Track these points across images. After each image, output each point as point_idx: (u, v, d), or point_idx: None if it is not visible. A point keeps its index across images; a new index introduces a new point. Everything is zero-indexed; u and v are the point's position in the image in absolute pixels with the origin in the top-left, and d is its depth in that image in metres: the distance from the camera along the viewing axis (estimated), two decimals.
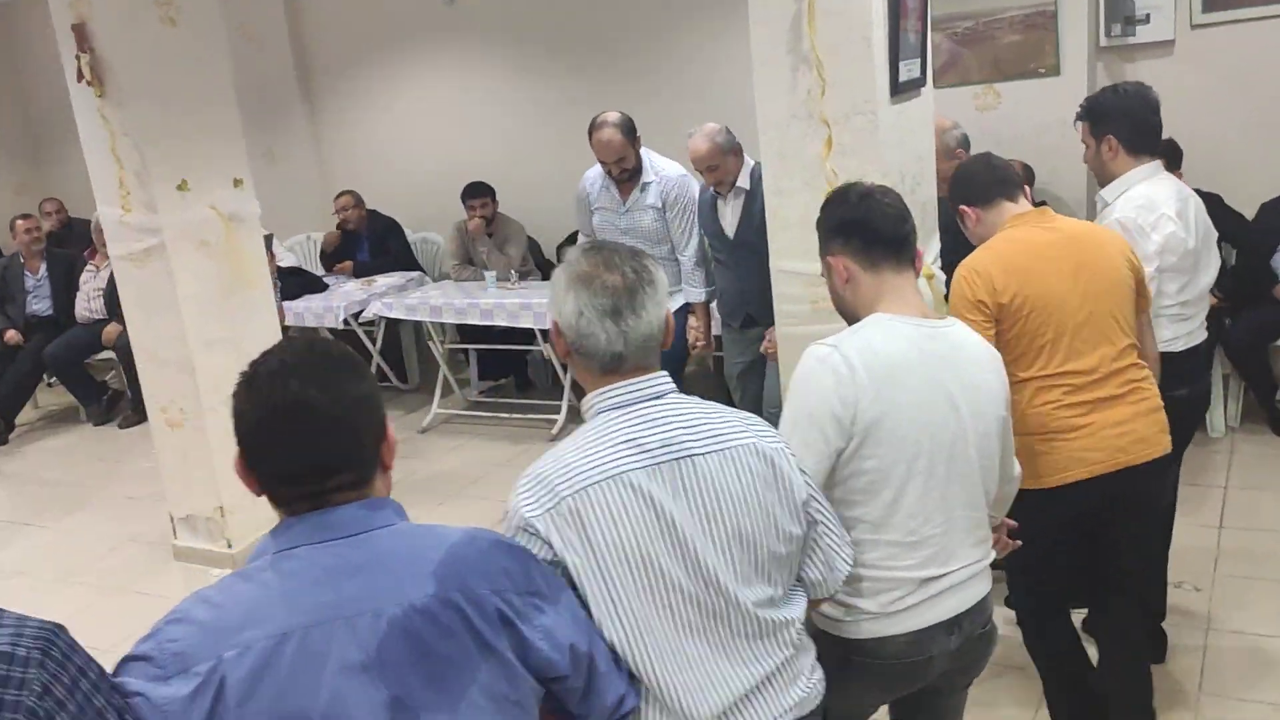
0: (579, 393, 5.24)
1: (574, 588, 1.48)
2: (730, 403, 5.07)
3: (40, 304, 6.85)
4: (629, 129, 4.22)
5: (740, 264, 4.07)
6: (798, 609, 1.64)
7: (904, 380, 1.81)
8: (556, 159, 6.66)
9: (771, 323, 3.92)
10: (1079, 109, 2.96)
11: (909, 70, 2.72)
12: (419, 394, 6.65)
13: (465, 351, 6.35)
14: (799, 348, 2.88)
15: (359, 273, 6.59)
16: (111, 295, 6.59)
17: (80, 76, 3.87)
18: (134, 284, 4.16)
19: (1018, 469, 2.04)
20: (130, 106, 3.89)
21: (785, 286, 2.84)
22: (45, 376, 6.99)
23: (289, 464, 1.33)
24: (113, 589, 4.31)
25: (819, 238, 1.99)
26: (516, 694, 1.33)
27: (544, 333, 5.53)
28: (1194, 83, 4.85)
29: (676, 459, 1.52)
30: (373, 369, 6.46)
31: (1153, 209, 2.68)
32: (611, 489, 1.49)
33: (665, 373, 1.62)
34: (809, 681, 1.65)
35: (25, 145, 8.97)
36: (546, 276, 6.24)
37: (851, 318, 1.95)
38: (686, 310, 4.41)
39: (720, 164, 3.92)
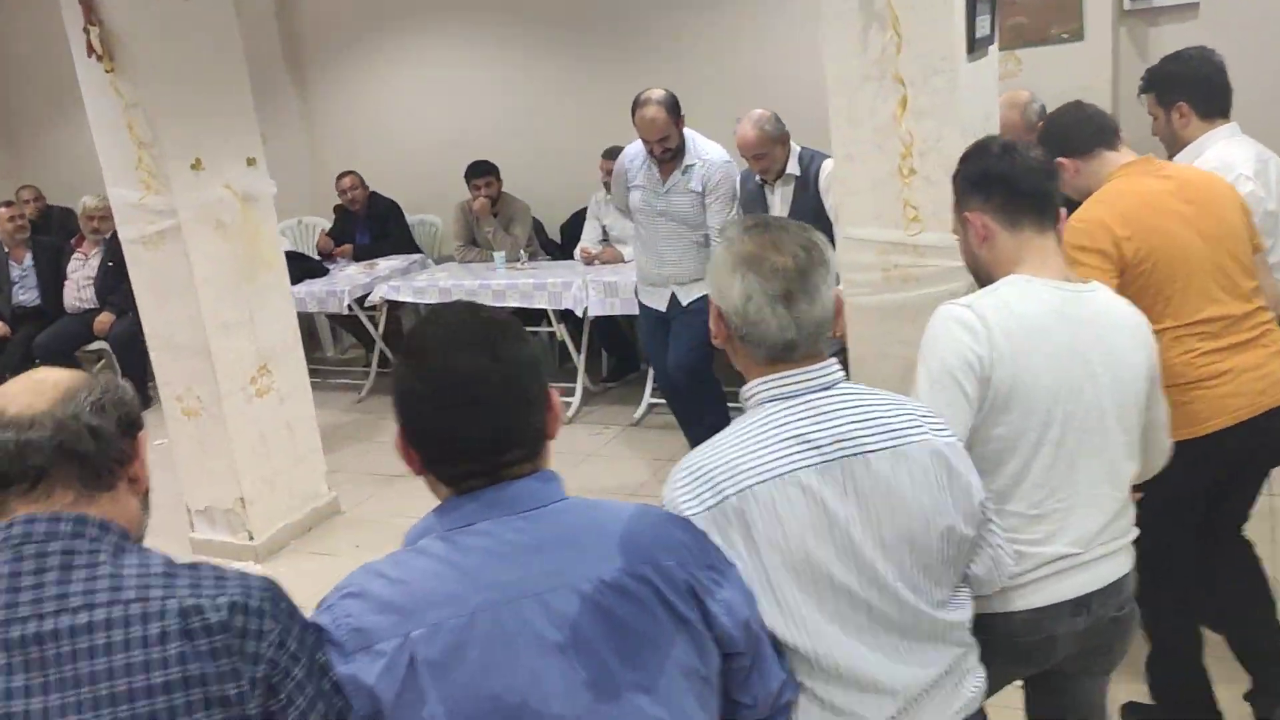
0: (593, 376, 5.17)
1: None
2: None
3: (27, 294, 6.64)
4: (673, 107, 4.06)
5: None
6: (967, 609, 1.56)
7: (1040, 345, 1.71)
8: (559, 138, 6.55)
9: None
10: (1143, 80, 2.90)
11: (982, 26, 2.64)
12: None
13: None
14: (870, 319, 2.82)
15: (358, 256, 6.44)
16: (102, 284, 6.42)
17: (90, 51, 3.69)
18: (146, 268, 4.00)
19: (1168, 442, 1.94)
20: (143, 82, 3.73)
21: (855, 254, 2.75)
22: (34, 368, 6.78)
23: (463, 439, 1.25)
24: None
25: (955, 192, 1.89)
26: (706, 669, 1.27)
27: (559, 313, 5.42)
28: (1219, 46, 4.76)
29: (848, 456, 1.43)
30: (375, 355, 6.32)
31: (1230, 169, 2.62)
32: (779, 489, 1.40)
33: (835, 360, 1.53)
34: (975, 679, 1.58)
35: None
36: (553, 256, 6.12)
37: (986, 279, 1.85)
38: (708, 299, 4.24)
39: (768, 152, 3.86)
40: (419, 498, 4.82)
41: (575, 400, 5.52)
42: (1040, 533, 1.75)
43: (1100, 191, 2.33)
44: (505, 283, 5.34)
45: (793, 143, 3.95)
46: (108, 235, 6.49)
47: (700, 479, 1.41)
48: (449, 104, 6.93)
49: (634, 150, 4.29)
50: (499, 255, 5.65)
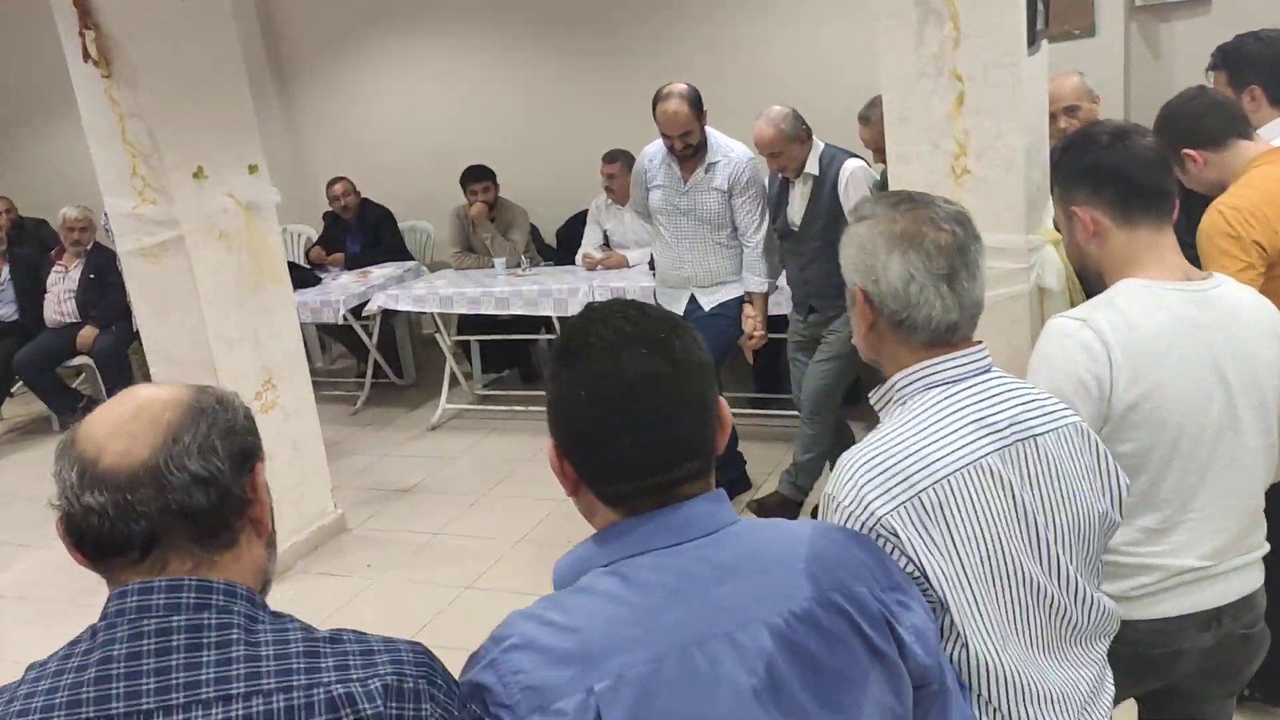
0: None
1: None
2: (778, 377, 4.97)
3: (4, 309, 6.42)
4: (696, 102, 3.93)
5: (804, 253, 3.92)
6: (1110, 601, 1.46)
7: (1165, 358, 1.62)
8: (554, 141, 6.43)
9: (834, 315, 3.85)
10: (1213, 58, 2.76)
11: (1041, 17, 2.55)
12: (417, 390, 6.37)
13: (465, 344, 6.08)
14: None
15: (350, 264, 6.27)
16: (84, 297, 6.22)
17: (86, 56, 3.53)
18: (146, 280, 3.83)
19: None
20: (142, 88, 3.57)
21: None
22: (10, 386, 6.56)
23: (635, 451, 1.11)
24: None
25: (1058, 185, 1.77)
26: (901, 707, 1.14)
27: (561, 320, 5.29)
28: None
29: (1022, 439, 1.34)
30: (370, 366, 6.16)
31: None
32: (973, 477, 1.29)
33: (984, 344, 1.43)
34: (1111, 683, 1.49)
35: None
36: (549, 262, 6.00)
37: (1095, 277, 1.75)
38: (742, 300, 4.14)
39: (784, 150, 3.76)
40: (427, 514, 4.69)
41: None
42: (1169, 544, 1.67)
43: (1249, 177, 2.19)
44: (508, 289, 5.21)
45: (817, 140, 3.85)
46: (88, 247, 6.30)
47: (887, 472, 1.28)
48: (439, 107, 6.79)
49: (653, 149, 4.16)
50: (499, 261, 5.51)
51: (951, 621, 1.26)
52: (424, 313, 6.14)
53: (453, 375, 5.82)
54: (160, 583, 1.02)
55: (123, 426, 1.05)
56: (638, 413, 1.09)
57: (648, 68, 6.11)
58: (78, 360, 6.29)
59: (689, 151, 3.96)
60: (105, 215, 4.65)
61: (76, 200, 6.46)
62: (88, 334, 6.14)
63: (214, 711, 0.96)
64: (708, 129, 4.01)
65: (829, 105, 4.96)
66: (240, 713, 0.97)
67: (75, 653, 1.02)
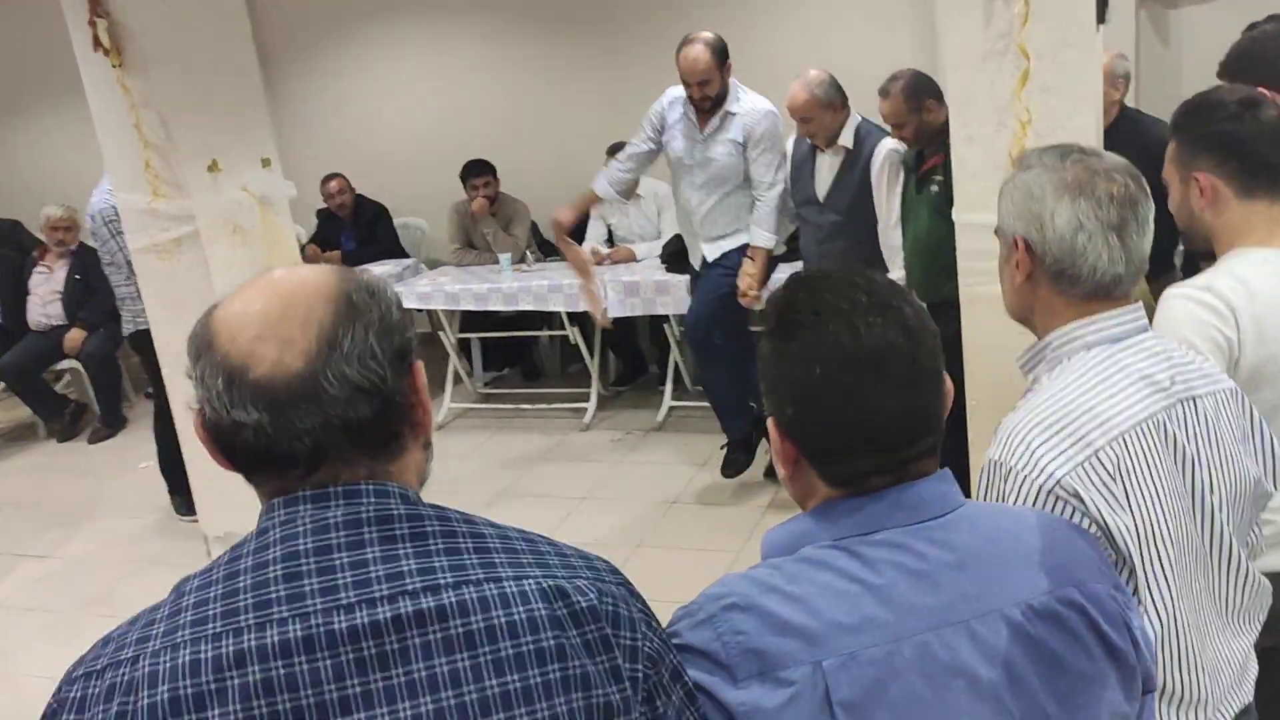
0: (605, 380, 4.89)
1: None
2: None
3: None
4: (721, 51, 3.79)
5: (824, 227, 3.84)
6: (1264, 578, 1.42)
7: None
8: (552, 134, 6.34)
9: None
10: (1222, 64, 2.77)
11: None
12: None
13: (465, 342, 5.97)
14: (987, 310, 2.68)
15: (345, 262, 6.14)
16: (70, 298, 6.04)
17: (96, 45, 3.40)
18: (158, 278, 3.70)
19: None
20: (155, 78, 3.44)
21: (973, 241, 2.61)
22: None
23: (873, 428, 1.04)
24: None
25: (1178, 147, 1.73)
26: (1132, 712, 1.08)
27: (571, 315, 5.21)
28: (1239, 32, 4.78)
29: (1184, 399, 1.31)
30: None
31: None
32: (1146, 434, 1.26)
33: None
34: (1255, 666, 1.45)
35: None
36: (559, 257, 5.89)
37: (1202, 243, 1.73)
38: (743, 253, 3.97)
39: (815, 117, 3.67)
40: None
41: (590, 406, 5.32)
42: None
43: None
44: (517, 285, 5.12)
45: (854, 113, 3.74)
46: (73, 247, 6.13)
47: (1061, 433, 1.24)
48: (433, 101, 6.67)
49: (675, 92, 3.99)
50: (505, 258, 5.42)
51: (1135, 585, 1.23)
52: (421, 311, 6.07)
53: (454, 374, 5.72)
54: (336, 489, 0.92)
55: (271, 329, 0.91)
56: (880, 387, 1.03)
57: (650, 59, 6.03)
58: (64, 364, 6.12)
59: (706, 104, 3.84)
60: (91, 216, 4.51)
61: (48, 199, 6.27)
62: (75, 337, 5.97)
63: (424, 601, 0.88)
64: (733, 82, 3.89)
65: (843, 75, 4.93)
66: (452, 599, 0.88)
67: (242, 553, 0.94)
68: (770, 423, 1.10)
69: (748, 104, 3.88)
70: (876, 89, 5.50)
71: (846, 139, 3.71)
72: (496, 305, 5.17)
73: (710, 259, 4.04)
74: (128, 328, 4.55)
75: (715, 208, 3.97)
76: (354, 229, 6.24)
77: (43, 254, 6.23)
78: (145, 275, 3.72)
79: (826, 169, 3.79)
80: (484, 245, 5.86)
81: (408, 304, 5.13)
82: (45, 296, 6.10)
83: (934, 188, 3.43)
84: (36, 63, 7.58)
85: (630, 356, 5.80)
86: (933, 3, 5.14)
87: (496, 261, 5.64)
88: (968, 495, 1.10)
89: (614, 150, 5.31)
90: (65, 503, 5.09)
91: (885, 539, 1.03)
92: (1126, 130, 3.42)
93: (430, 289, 5.31)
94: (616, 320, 5.05)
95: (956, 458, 3.09)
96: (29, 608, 4.08)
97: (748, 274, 3.92)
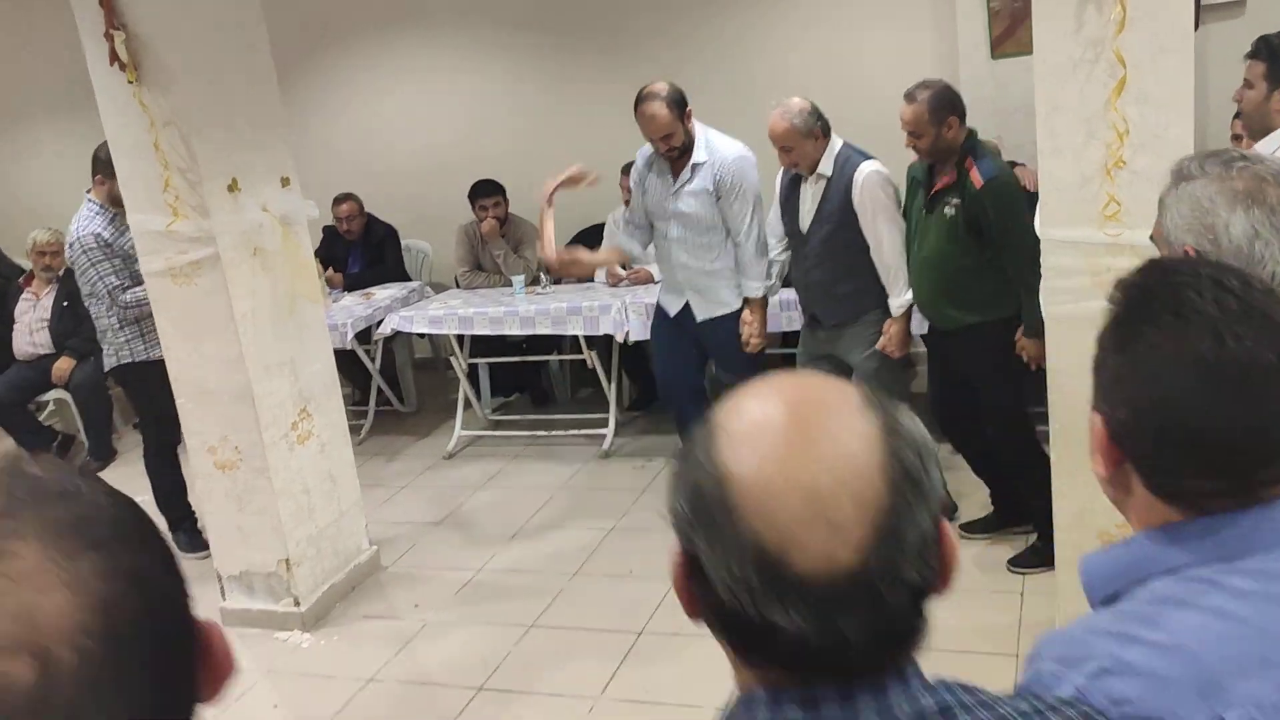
0: (620, 404, 4.68)
1: None
2: None
3: None
4: (677, 102, 3.78)
5: (809, 259, 3.77)
6: None
7: None
8: (559, 154, 6.14)
9: (836, 325, 3.72)
10: (1255, 45, 2.66)
11: None
12: (420, 416, 6.07)
13: (473, 366, 5.80)
14: (1073, 330, 2.56)
15: (349, 285, 5.96)
16: (58, 326, 5.81)
17: (113, 59, 3.23)
18: (175, 303, 3.52)
19: None
20: (175, 93, 3.28)
21: (1058, 258, 2.50)
22: None
23: (1246, 447, 0.92)
24: None
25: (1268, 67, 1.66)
26: None
27: (590, 340, 5.06)
28: None
29: None
30: (374, 393, 5.85)
31: None
32: None
33: None
34: None
35: None
36: (573, 279, 5.74)
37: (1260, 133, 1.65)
38: (737, 320, 3.98)
39: (795, 146, 3.60)
40: (464, 548, 4.39)
41: (609, 432, 5.16)
42: None
43: None
44: (534, 308, 4.96)
45: (835, 139, 3.68)
46: (60, 273, 5.89)
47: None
48: (439, 119, 6.52)
49: (644, 154, 4.05)
50: (518, 280, 5.26)
51: None
52: (423, 336, 5.90)
53: (463, 401, 5.55)
54: (862, 687, 0.74)
55: (818, 507, 0.70)
56: (1237, 406, 0.91)
57: (665, 76, 5.94)
58: (52, 394, 5.88)
59: (673, 154, 3.84)
60: (70, 244, 4.28)
61: (23, 222, 6.02)
62: (64, 366, 5.73)
63: None
64: (702, 128, 3.88)
65: (855, 109, 4.84)
66: None
67: None
68: (1095, 415, 0.98)
69: (717, 151, 3.87)
70: (895, 98, 5.45)
71: (826, 167, 3.65)
72: (513, 330, 5.01)
73: (700, 318, 4.01)
74: (109, 361, 4.37)
75: (695, 257, 3.95)
76: (362, 250, 6.04)
77: (28, 281, 5.99)
78: (160, 301, 3.55)
79: (809, 199, 3.73)
80: (493, 268, 5.71)
81: (419, 329, 5.04)
82: (32, 325, 5.86)
83: (948, 210, 3.35)
84: (13, 78, 7.36)
85: (644, 379, 5.65)
86: (955, 11, 5.13)
87: (506, 284, 5.50)
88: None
89: (627, 170, 5.20)
90: None
91: (1251, 567, 0.90)
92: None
93: (443, 313, 5.14)
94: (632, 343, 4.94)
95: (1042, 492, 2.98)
96: None
97: (747, 324, 3.94)
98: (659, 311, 4.20)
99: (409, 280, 6.16)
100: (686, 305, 4.03)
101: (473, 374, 5.81)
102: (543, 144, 6.24)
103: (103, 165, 4.11)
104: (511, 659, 3.44)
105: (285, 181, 3.69)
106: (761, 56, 5.72)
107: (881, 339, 3.68)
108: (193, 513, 4.44)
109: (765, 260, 3.93)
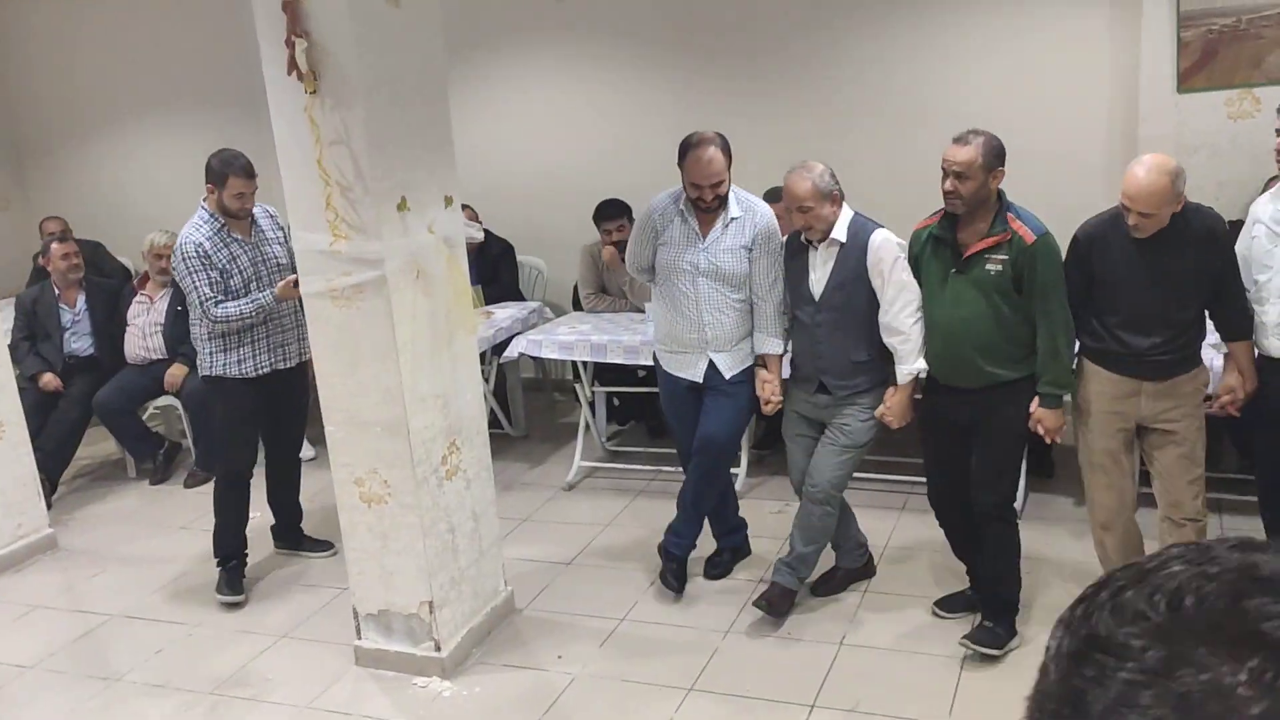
0: (753, 436, 4.37)
1: None
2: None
3: (80, 342, 5.83)
4: (728, 150, 3.69)
5: (821, 326, 3.58)
6: None
7: None
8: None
9: (847, 396, 3.56)
10: None
11: None
12: (529, 442, 5.86)
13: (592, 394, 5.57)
14: None
15: None
16: (172, 331, 5.67)
17: (292, 67, 3.03)
18: (333, 326, 3.32)
19: None
20: (355, 106, 3.08)
21: None
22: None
23: None
24: (295, 707, 3.44)
25: None
26: None
27: None
28: None
29: None
30: (485, 416, 5.63)
31: None
32: None
33: None
34: None
35: (5, 153, 7.88)
36: None
37: None
38: (756, 363, 3.84)
39: (815, 207, 3.44)
40: (601, 593, 4.10)
41: (741, 472, 4.90)
42: None
43: None
44: None
45: (847, 207, 3.53)
46: (174, 277, 5.76)
47: None
48: (557, 136, 6.33)
49: (662, 201, 3.86)
50: (651, 307, 5.01)
51: None
52: (534, 359, 5.68)
53: (584, 429, 5.32)
54: None
55: None
56: None
57: (814, 103, 5.70)
58: (162, 400, 5.74)
59: (715, 203, 3.69)
60: (175, 250, 4.13)
61: (131, 221, 5.89)
62: (177, 373, 5.60)
63: None
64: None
65: (1024, 141, 4.57)
66: None
67: None
68: None
69: (749, 207, 3.78)
70: (1068, 130, 5.14)
71: (840, 232, 3.49)
72: (648, 359, 4.76)
73: (729, 374, 3.83)
74: (203, 369, 4.25)
75: (725, 314, 3.79)
76: (477, 266, 5.83)
77: (143, 283, 5.87)
78: (316, 322, 3.35)
79: (820, 265, 3.56)
80: (618, 292, 5.49)
81: (548, 353, 4.81)
82: (146, 328, 5.73)
83: (993, 267, 3.24)
84: (126, 75, 7.29)
85: (774, 417, 5.38)
86: (1140, 37, 4.81)
87: (631, 308, 5.27)
88: None
89: (771, 197, 4.94)
90: (169, 557, 4.68)
91: None
92: (1187, 223, 3.12)
93: (574, 339, 4.91)
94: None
95: None
96: (155, 684, 3.65)
97: (766, 382, 3.81)
98: (669, 383, 3.97)
99: (523, 299, 5.96)
100: (711, 365, 3.83)
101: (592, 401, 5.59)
102: (671, 165, 6.01)
103: (214, 174, 4.06)
104: None
105: (449, 201, 3.49)
106: (928, 83, 5.44)
107: (881, 408, 3.54)
108: (245, 553, 4.32)
109: (784, 319, 3.78)
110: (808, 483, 3.66)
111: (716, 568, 4.15)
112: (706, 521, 4.11)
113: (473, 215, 5.73)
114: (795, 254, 3.67)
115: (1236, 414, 3.35)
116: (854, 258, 3.48)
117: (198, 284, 4.03)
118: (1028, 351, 3.31)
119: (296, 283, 3.91)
